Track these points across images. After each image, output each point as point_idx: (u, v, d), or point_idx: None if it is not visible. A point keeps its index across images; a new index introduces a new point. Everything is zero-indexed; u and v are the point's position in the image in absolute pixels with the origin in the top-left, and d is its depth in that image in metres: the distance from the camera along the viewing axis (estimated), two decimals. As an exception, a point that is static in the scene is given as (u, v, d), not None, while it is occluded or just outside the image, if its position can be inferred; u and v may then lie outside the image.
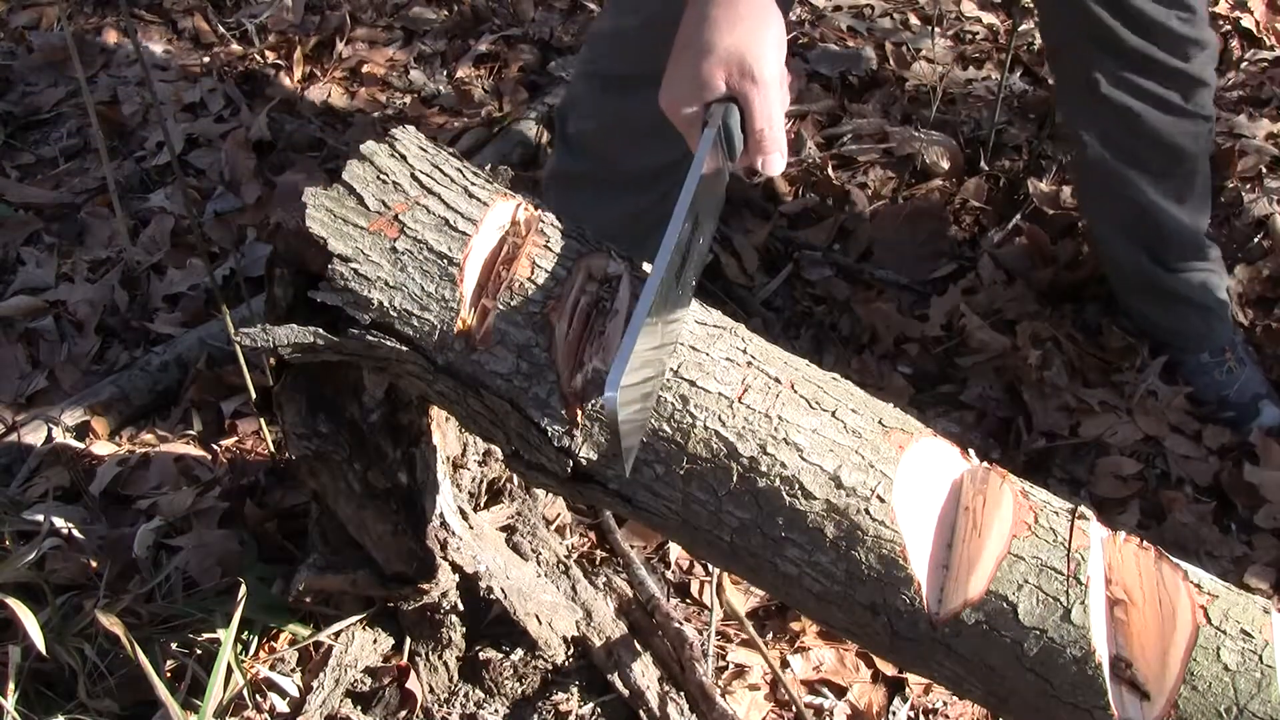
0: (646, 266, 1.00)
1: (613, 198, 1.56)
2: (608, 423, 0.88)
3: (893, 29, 2.47)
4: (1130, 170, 1.64)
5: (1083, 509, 0.92)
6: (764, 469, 0.90)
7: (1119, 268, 1.79)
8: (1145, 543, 0.91)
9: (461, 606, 1.33)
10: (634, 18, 1.42)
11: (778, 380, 0.94)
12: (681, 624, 1.37)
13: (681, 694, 1.33)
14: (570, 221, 1.01)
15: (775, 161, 1.00)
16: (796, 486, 0.89)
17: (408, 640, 1.37)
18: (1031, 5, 2.48)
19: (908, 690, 1.39)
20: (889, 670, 1.40)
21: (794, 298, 1.92)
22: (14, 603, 1.21)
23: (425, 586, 1.24)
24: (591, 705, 1.33)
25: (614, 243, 1.55)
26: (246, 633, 1.34)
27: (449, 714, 1.33)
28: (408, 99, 2.31)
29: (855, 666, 1.41)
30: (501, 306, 0.93)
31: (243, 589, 1.27)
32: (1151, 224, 1.69)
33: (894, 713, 1.37)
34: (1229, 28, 2.42)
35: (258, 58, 2.39)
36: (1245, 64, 2.36)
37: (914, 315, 1.88)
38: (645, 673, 1.34)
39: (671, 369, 0.92)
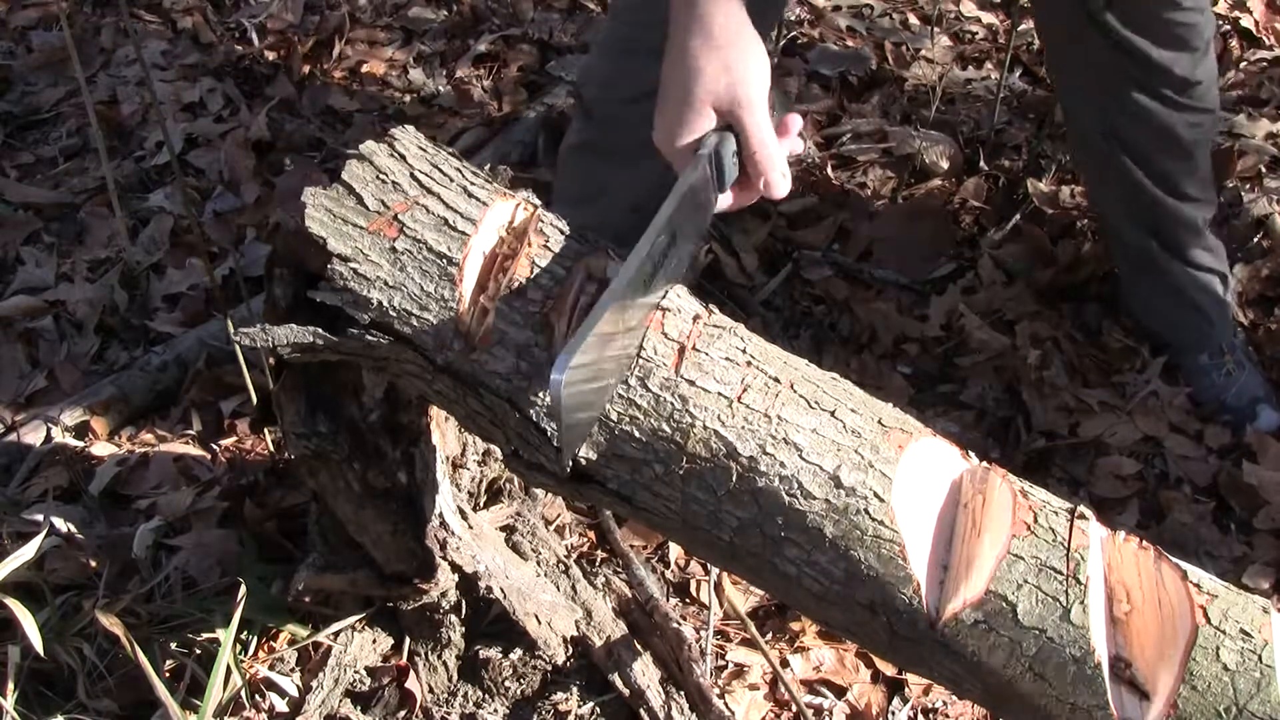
0: (645, 266, 1.00)
1: (633, 168, 1.57)
2: (551, 405, 0.87)
3: (892, 29, 2.47)
4: (1126, 157, 1.65)
5: (1082, 509, 0.92)
6: (763, 469, 0.90)
7: (1123, 245, 1.79)
8: (1145, 542, 0.91)
9: (461, 606, 1.33)
10: None
11: (777, 380, 0.94)
12: (680, 624, 1.37)
13: (681, 693, 1.33)
14: (570, 221, 1.01)
15: (776, 181, 1.02)
16: (796, 486, 0.89)
17: (407, 640, 1.37)
18: (1030, 5, 2.49)
19: (908, 690, 1.39)
20: (889, 670, 1.40)
21: (793, 298, 1.92)
22: (13, 603, 1.21)
23: (425, 586, 1.24)
24: (591, 705, 1.33)
25: (632, 215, 1.57)
26: (246, 633, 1.34)
27: (448, 714, 1.33)
28: (407, 99, 2.31)
29: (855, 667, 1.41)
30: (501, 306, 0.93)
31: (242, 589, 1.27)
32: (1151, 205, 1.70)
33: (893, 713, 1.37)
34: (1228, 28, 2.42)
35: (257, 57, 2.39)
36: (1244, 64, 2.36)
37: (913, 315, 1.88)
38: (645, 672, 1.34)
39: (671, 368, 0.92)
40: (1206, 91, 1.61)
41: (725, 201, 1.04)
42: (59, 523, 1.45)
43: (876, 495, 0.89)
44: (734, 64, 0.98)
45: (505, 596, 1.30)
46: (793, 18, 2.44)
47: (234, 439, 1.64)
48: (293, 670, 1.35)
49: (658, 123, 1.02)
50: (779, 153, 1.02)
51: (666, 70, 1.01)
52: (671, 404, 0.91)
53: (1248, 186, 2.04)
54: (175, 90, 2.29)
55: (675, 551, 1.53)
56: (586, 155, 1.62)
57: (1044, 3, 1.66)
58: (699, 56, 0.98)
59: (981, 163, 2.11)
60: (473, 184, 0.99)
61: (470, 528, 1.27)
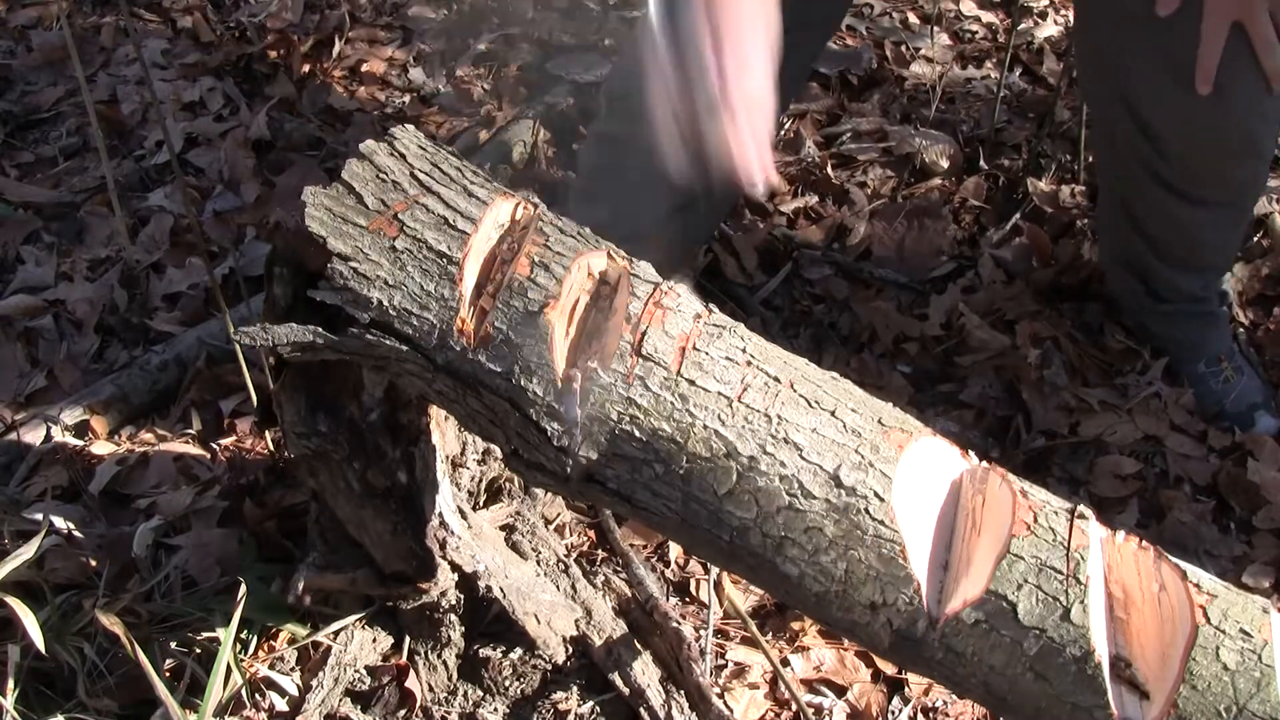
0: (645, 266, 1.00)
1: (644, 160, 1.57)
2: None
3: (892, 28, 2.47)
4: (1140, 242, 1.64)
5: (1082, 508, 0.92)
6: (764, 468, 0.90)
7: (1114, 285, 1.80)
8: (1145, 542, 0.91)
9: (461, 605, 1.33)
10: None
11: (777, 379, 0.94)
12: (680, 623, 1.37)
13: (681, 693, 1.33)
14: (570, 221, 1.01)
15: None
16: (796, 486, 0.89)
17: (407, 639, 1.37)
18: (1031, 5, 2.49)
19: (908, 690, 1.39)
20: (889, 670, 1.40)
21: (793, 297, 1.92)
22: (13, 601, 1.20)
23: (424, 586, 1.24)
24: (591, 704, 1.33)
25: (639, 211, 1.58)
26: (245, 632, 1.34)
27: (448, 713, 1.33)
28: (407, 98, 2.31)
29: (855, 666, 1.41)
30: (501, 306, 0.93)
31: (242, 588, 1.27)
32: (1151, 273, 1.69)
33: (894, 713, 1.37)
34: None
35: (257, 57, 2.39)
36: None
37: (913, 314, 1.88)
38: (645, 671, 1.34)
39: (671, 368, 0.92)
40: (1248, 197, 1.57)
41: None
42: (59, 522, 1.45)
43: (876, 495, 0.89)
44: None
45: (505, 596, 1.30)
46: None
47: (234, 438, 1.64)
48: (292, 669, 1.35)
49: None
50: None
51: None
52: (671, 403, 0.91)
53: (1248, 186, 2.03)
54: (175, 89, 2.29)
55: (675, 551, 1.53)
56: (600, 143, 1.65)
57: (1081, 63, 1.63)
58: None
59: (981, 162, 2.11)
60: (473, 183, 0.99)
61: (470, 527, 1.27)
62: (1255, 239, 1.95)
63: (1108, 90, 1.51)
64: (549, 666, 1.36)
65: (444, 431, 1.22)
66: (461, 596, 1.31)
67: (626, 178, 1.59)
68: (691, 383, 0.92)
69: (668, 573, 1.50)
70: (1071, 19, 2.41)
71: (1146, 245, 1.65)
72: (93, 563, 1.41)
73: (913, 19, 2.51)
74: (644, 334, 0.93)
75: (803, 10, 1.44)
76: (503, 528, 1.42)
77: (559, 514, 1.53)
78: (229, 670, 1.26)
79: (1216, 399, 1.72)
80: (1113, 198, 1.66)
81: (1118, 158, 1.57)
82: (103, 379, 1.71)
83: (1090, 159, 2.04)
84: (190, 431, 1.66)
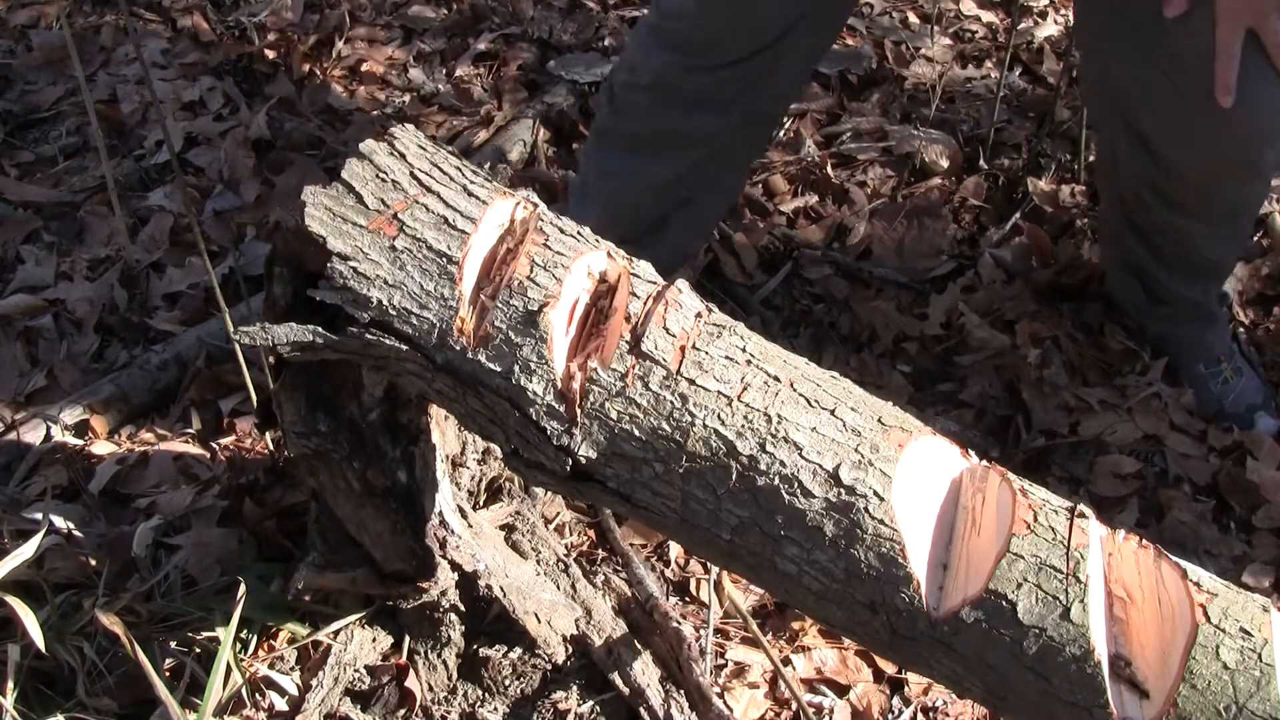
0: (645, 265, 1.00)
1: (645, 160, 1.58)
2: None
3: (892, 27, 2.47)
4: (1142, 248, 1.65)
5: (1082, 507, 0.92)
6: (763, 467, 0.90)
7: (1115, 288, 1.80)
8: (1144, 541, 0.91)
9: (461, 605, 1.33)
10: None
11: (777, 378, 0.94)
12: (680, 623, 1.37)
13: (681, 692, 1.33)
14: (570, 220, 1.01)
15: None
16: (795, 485, 0.89)
17: (407, 639, 1.37)
18: (1031, 4, 2.49)
19: (908, 690, 1.39)
20: (891, 670, 1.40)
21: (793, 296, 1.92)
22: (13, 601, 1.20)
23: (424, 585, 1.24)
24: (591, 704, 1.33)
25: (641, 210, 1.58)
26: (245, 631, 1.34)
27: (448, 712, 1.33)
28: (407, 97, 2.31)
29: (857, 666, 1.41)
30: (500, 305, 0.93)
31: (242, 588, 1.27)
32: (1152, 278, 1.70)
33: (895, 712, 1.37)
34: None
35: (257, 56, 2.39)
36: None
37: (913, 314, 1.88)
38: (645, 671, 1.34)
39: (671, 367, 0.92)
40: (1248, 217, 1.58)
41: None
42: (59, 521, 1.45)
43: (876, 494, 0.89)
44: None
45: (505, 595, 1.30)
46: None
47: (233, 438, 1.64)
48: (292, 669, 1.35)
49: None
50: None
51: None
52: (671, 403, 0.91)
53: (1248, 185, 2.03)
54: (175, 89, 2.29)
55: (675, 550, 1.53)
56: (601, 140, 1.65)
57: (1088, 80, 1.64)
58: None
59: (981, 161, 2.11)
60: (473, 183, 0.99)
61: (470, 526, 1.27)
62: (1255, 239, 1.95)
63: (1108, 107, 1.52)
64: (549, 666, 1.36)
65: (444, 431, 1.22)
66: (461, 596, 1.31)
67: (621, 177, 1.60)
68: (691, 382, 0.92)
69: (668, 572, 1.50)
70: (1071, 18, 2.41)
71: (1149, 252, 1.66)
72: (93, 562, 1.41)
73: (913, 19, 2.51)
74: (643, 333, 0.93)
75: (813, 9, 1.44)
76: (503, 527, 1.42)
77: (559, 514, 1.53)
78: (229, 670, 1.26)
79: (1216, 400, 1.72)
80: (1116, 207, 1.66)
81: (1120, 173, 1.58)
82: (102, 378, 1.71)
83: (1090, 159, 2.04)
84: (190, 431, 1.66)
